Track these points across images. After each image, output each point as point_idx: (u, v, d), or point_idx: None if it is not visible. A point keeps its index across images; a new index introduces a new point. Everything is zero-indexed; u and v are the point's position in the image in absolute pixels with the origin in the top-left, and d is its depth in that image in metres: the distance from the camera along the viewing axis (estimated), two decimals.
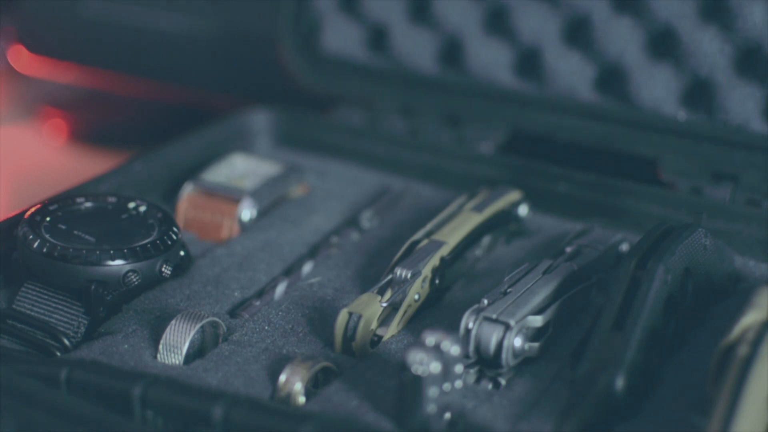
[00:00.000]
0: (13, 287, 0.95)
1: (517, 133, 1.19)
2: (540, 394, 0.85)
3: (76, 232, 0.94)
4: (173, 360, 0.88)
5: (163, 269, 0.94)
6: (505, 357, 0.86)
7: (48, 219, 0.95)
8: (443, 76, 1.23)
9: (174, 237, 0.96)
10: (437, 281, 0.95)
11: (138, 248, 0.93)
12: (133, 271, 0.92)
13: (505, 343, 0.86)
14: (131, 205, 0.99)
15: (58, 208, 0.97)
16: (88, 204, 0.98)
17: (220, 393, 0.82)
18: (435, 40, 1.23)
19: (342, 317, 0.90)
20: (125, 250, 0.92)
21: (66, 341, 0.90)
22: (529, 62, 1.19)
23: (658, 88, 1.12)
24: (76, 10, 1.51)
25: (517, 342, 0.86)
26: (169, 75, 1.50)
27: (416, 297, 0.93)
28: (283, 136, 1.23)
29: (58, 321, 0.91)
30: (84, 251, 0.91)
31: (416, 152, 1.17)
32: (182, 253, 0.97)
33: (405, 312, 0.93)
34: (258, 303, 0.96)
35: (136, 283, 0.93)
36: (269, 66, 1.32)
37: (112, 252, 0.92)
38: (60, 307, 0.92)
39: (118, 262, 0.92)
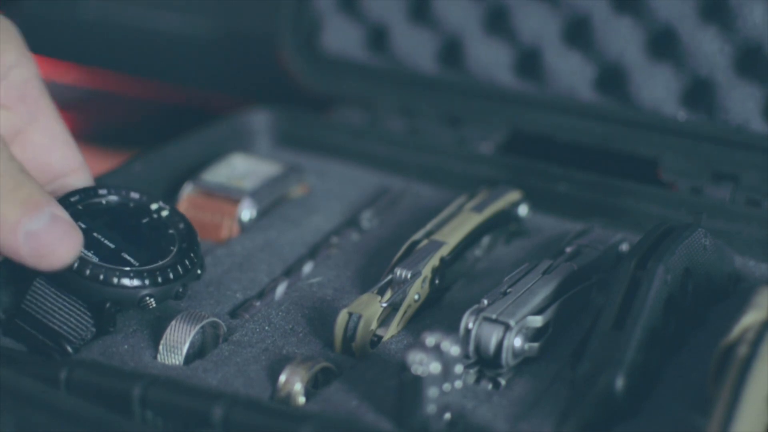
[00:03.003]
0: (12, 287, 0.92)
1: (517, 133, 1.19)
2: (540, 394, 0.84)
3: (95, 234, 0.90)
4: (173, 360, 0.88)
5: (179, 291, 0.91)
6: (505, 357, 0.86)
7: (69, 212, 0.89)
8: (443, 76, 1.23)
9: (195, 259, 0.92)
10: (437, 281, 0.95)
11: (158, 272, 0.89)
12: (150, 295, 0.89)
13: (505, 343, 0.85)
14: (154, 206, 0.95)
15: (80, 200, 0.92)
16: (111, 198, 0.94)
17: (220, 393, 0.82)
18: (435, 40, 1.23)
19: (342, 317, 0.90)
20: (144, 273, 0.89)
21: (69, 348, 0.88)
22: (529, 62, 1.19)
23: (658, 88, 1.12)
24: (76, 10, 1.51)
25: (517, 342, 0.86)
26: (169, 75, 1.50)
27: (416, 297, 0.93)
28: (283, 136, 1.23)
29: (66, 327, 0.89)
30: (103, 270, 0.88)
31: (416, 152, 1.17)
32: (199, 271, 0.93)
33: (405, 312, 0.93)
34: (258, 303, 0.96)
35: (151, 306, 0.89)
36: (269, 66, 1.32)
37: (131, 274, 0.88)
38: (70, 314, 0.89)
39: (136, 282, 0.89)
